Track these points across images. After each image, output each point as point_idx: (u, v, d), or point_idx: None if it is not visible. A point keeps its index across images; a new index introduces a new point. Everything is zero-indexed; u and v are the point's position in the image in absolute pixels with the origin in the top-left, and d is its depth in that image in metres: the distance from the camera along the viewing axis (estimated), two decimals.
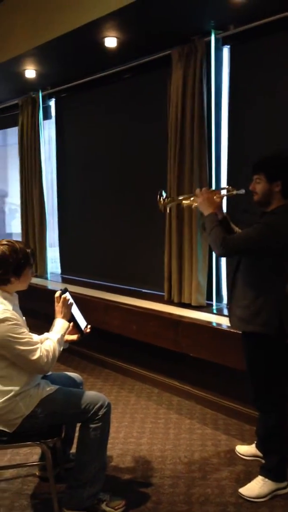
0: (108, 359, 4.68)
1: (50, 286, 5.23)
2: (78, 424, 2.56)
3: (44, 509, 2.57)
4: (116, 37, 3.77)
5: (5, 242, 2.50)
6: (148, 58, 4.18)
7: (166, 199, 2.88)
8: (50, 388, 2.51)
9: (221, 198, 2.76)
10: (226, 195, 2.81)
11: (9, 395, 2.38)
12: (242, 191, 2.69)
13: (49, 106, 5.51)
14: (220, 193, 2.77)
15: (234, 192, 2.75)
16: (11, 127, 6.31)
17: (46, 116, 5.50)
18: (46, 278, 5.61)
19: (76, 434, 2.70)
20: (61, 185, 5.58)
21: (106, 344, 4.57)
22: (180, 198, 2.97)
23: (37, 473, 2.86)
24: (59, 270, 5.76)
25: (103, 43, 3.87)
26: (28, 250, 2.54)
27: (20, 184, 5.77)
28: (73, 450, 2.87)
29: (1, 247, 2.47)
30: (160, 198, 2.86)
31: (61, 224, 5.66)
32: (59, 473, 2.79)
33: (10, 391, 2.38)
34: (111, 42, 3.82)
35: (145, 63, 4.24)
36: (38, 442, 2.43)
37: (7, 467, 2.94)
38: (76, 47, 4.06)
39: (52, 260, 5.86)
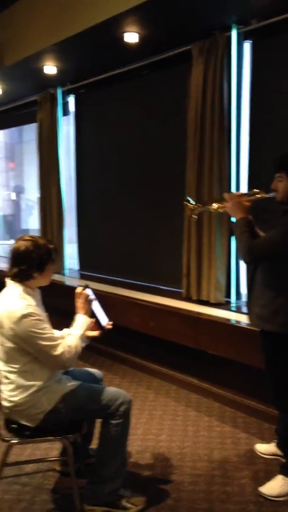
0: (126, 356, 4.68)
1: (68, 282, 5.25)
2: (98, 420, 2.57)
3: (65, 504, 2.58)
4: (137, 32, 3.75)
5: (28, 238, 2.51)
6: (168, 54, 4.15)
7: (194, 206, 2.84)
8: (71, 384, 2.52)
9: (251, 202, 2.69)
10: (256, 199, 2.73)
11: (31, 390, 2.39)
12: (272, 194, 2.61)
13: (68, 102, 5.52)
14: (249, 196, 2.70)
15: (264, 195, 2.67)
16: (29, 124, 6.33)
17: (65, 112, 5.51)
18: (64, 274, 5.63)
19: (97, 430, 2.72)
20: (79, 181, 5.59)
21: (124, 341, 4.56)
22: (209, 204, 2.89)
23: (57, 468, 2.88)
24: (77, 266, 5.78)
25: (122, 38, 3.85)
26: (51, 246, 2.55)
27: (38, 181, 5.79)
28: (93, 445, 2.88)
29: (24, 243, 2.48)
30: (188, 205, 2.82)
31: (79, 220, 5.67)
32: (79, 469, 2.79)
33: (33, 386, 2.39)
34: (131, 37, 3.81)
35: (165, 58, 4.22)
36: (59, 437, 2.44)
37: (28, 462, 2.96)
38: (95, 42, 4.05)
39: (70, 256, 5.88)
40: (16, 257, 2.48)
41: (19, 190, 14.94)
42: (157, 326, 4.04)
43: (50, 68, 4.68)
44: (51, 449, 3.10)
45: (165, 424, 3.47)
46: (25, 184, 15.15)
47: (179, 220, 4.19)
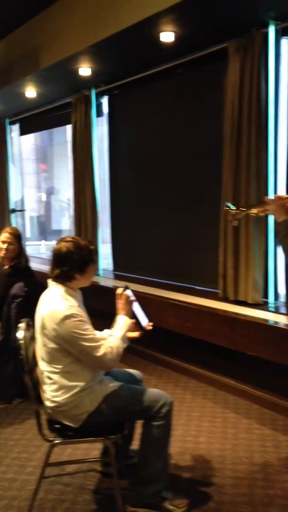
0: (161, 356, 4.67)
1: (103, 282, 5.26)
2: (138, 421, 2.57)
3: (107, 505, 2.58)
4: (173, 31, 3.73)
5: (69, 239, 2.53)
6: (204, 52, 4.12)
7: (236, 211, 2.80)
8: (113, 385, 2.52)
9: None
10: None
11: (74, 391, 2.40)
12: None
13: (101, 104, 5.54)
14: None
15: None
16: (63, 125, 6.38)
17: (98, 113, 5.53)
18: (98, 275, 5.65)
19: (137, 431, 2.72)
20: (113, 181, 5.61)
21: (160, 341, 4.55)
22: (250, 208, 2.85)
23: (98, 469, 2.88)
24: (111, 267, 5.79)
25: (159, 38, 3.84)
26: (92, 247, 2.56)
27: (72, 181, 5.82)
28: (133, 446, 2.88)
29: (66, 244, 2.50)
30: (229, 211, 2.79)
31: (113, 220, 5.68)
32: (120, 469, 2.79)
33: (76, 386, 2.40)
34: (167, 36, 3.79)
35: (200, 57, 4.18)
36: (102, 438, 2.45)
37: (71, 462, 2.97)
38: (131, 43, 4.05)
39: (104, 256, 5.90)
40: (58, 258, 2.50)
41: (50, 192, 15.12)
42: (193, 326, 4.01)
43: (85, 70, 4.70)
44: (91, 449, 3.11)
45: (204, 426, 3.44)
46: (55, 185, 15.34)
47: (215, 220, 4.16)
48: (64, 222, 13.17)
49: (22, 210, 7.98)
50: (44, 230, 12.94)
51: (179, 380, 4.31)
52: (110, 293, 4.30)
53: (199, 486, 2.73)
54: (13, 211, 7.46)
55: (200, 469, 2.91)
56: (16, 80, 5.20)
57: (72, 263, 2.47)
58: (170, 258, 4.93)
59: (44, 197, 14.76)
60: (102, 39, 3.97)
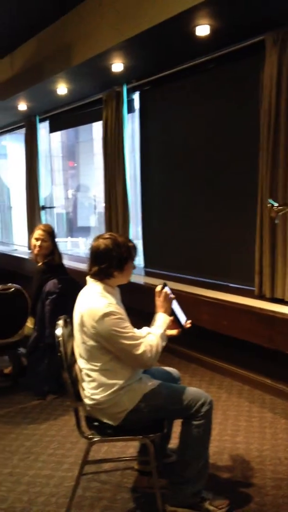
0: (195, 354, 4.63)
1: (133, 279, 5.22)
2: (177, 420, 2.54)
3: (146, 503, 2.56)
4: (209, 25, 3.66)
5: (108, 236, 2.51)
6: (240, 45, 4.04)
7: (278, 208, 2.74)
8: (152, 383, 2.49)
9: None
10: None
11: (113, 389, 2.38)
12: None
13: (133, 100, 5.51)
14: None
15: None
16: (94, 122, 6.37)
17: (130, 109, 5.50)
18: None
19: (175, 429, 2.69)
20: (144, 178, 5.57)
21: (194, 339, 4.51)
22: None
23: (135, 467, 2.86)
24: (142, 264, 5.77)
25: (194, 31, 3.78)
26: (131, 244, 2.53)
27: (103, 178, 5.81)
28: (171, 445, 2.86)
29: (104, 241, 2.48)
30: (272, 208, 2.73)
31: (144, 217, 5.65)
32: (158, 468, 2.77)
33: (115, 384, 2.38)
34: (203, 30, 3.73)
35: (236, 50, 4.10)
36: (141, 437, 2.42)
37: (109, 460, 2.96)
38: (165, 38, 3.99)
39: None
40: (96, 255, 2.48)
41: (77, 188, 15.19)
42: (228, 324, 3.96)
43: (117, 66, 4.67)
44: (127, 446, 3.09)
45: (241, 425, 3.39)
46: (81, 182, 15.40)
47: (250, 216, 4.09)
48: (91, 219, 13.21)
49: (51, 207, 8.02)
50: (70, 227, 13.00)
51: (213, 378, 4.26)
52: (141, 290, 4.30)
53: (239, 487, 2.69)
54: (43, 208, 7.50)
55: (239, 469, 2.86)
56: (48, 77, 5.20)
57: (111, 260, 2.45)
58: (202, 255, 4.88)
59: (70, 194, 14.85)
60: (135, 34, 3.92)
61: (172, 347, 4.76)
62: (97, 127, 10.33)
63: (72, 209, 14.01)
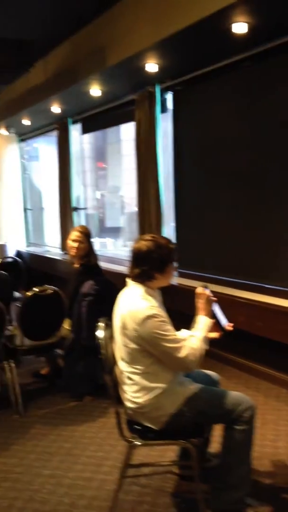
0: (230, 356, 4.57)
1: None
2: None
3: (188, 508, 2.53)
4: (247, 22, 3.60)
5: (149, 238, 2.49)
6: (278, 42, 3.96)
7: None
8: (194, 387, 2.46)
9: None
10: None
11: (155, 392, 2.36)
12: None
13: (166, 100, 5.47)
14: None
15: None
16: (126, 123, 6.37)
17: (163, 109, 5.47)
18: None
19: (215, 433, 2.65)
20: (178, 178, 5.53)
21: (228, 341, 4.44)
22: None
23: (175, 471, 2.83)
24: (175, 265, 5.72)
25: (230, 29, 3.72)
26: (172, 246, 2.51)
27: (136, 179, 5.80)
28: (211, 449, 2.82)
29: (146, 243, 2.46)
30: None
31: (178, 218, 5.61)
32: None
33: (156, 388, 2.36)
34: (240, 28, 3.66)
35: (274, 47, 4.03)
36: (184, 441, 2.39)
37: (151, 465, 2.92)
38: (201, 36, 3.95)
39: None
40: (138, 257, 2.47)
41: (106, 189, 15.27)
42: (265, 326, 3.89)
43: (151, 66, 4.64)
44: (166, 450, 3.06)
45: (281, 430, 3.32)
46: (110, 183, 15.48)
47: (285, 214, 4.01)
48: (119, 219, 13.26)
49: (84, 208, 8.05)
50: (99, 227, 13.07)
51: (249, 381, 4.20)
52: (175, 291, 4.23)
53: (283, 493, 2.63)
54: (75, 209, 7.53)
55: (281, 475, 2.80)
56: (82, 79, 5.22)
57: (152, 262, 2.43)
58: (238, 256, 4.81)
59: (99, 194, 14.94)
60: (171, 34, 3.89)
61: (206, 349, 4.71)
62: (126, 129, 10.34)
63: (101, 210, 14.08)
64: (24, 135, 8.96)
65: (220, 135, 4.87)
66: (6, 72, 5.48)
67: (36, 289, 3.81)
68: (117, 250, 9.22)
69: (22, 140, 9.14)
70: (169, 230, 5.81)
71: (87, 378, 3.94)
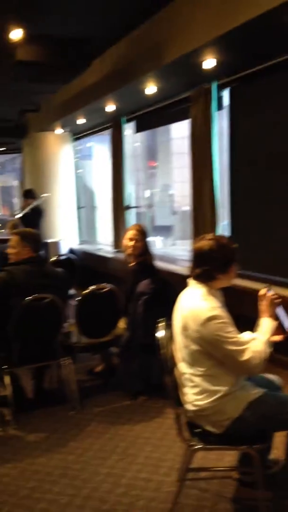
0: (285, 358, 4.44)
1: None
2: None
3: None
4: None
5: (211, 237, 2.44)
6: None
7: None
8: (256, 391, 2.39)
9: None
10: None
11: (217, 395, 2.31)
12: None
13: (222, 97, 5.38)
14: None
15: None
16: (181, 121, 6.31)
17: (219, 107, 5.38)
18: None
19: (277, 439, 2.57)
20: (234, 177, 5.43)
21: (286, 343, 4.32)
22: None
23: (235, 476, 2.77)
24: None
25: None
26: (234, 246, 2.44)
27: (191, 177, 5.73)
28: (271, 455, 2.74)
29: (207, 242, 2.41)
30: None
31: (233, 218, 5.51)
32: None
33: (218, 391, 2.31)
34: None
35: None
36: (247, 447, 2.33)
37: (211, 469, 2.87)
38: (261, 31, 3.85)
39: None
40: (199, 257, 2.42)
41: (156, 188, 15.28)
42: None
43: (209, 63, 4.57)
44: (224, 454, 3.00)
45: None
46: (160, 181, 15.48)
47: None
48: (169, 218, 13.24)
49: (136, 207, 8.06)
50: (150, 226, 13.10)
51: None
52: (229, 292, 4.10)
53: None
54: (127, 208, 7.55)
55: None
56: (137, 77, 5.21)
57: (215, 262, 2.38)
58: None
59: (150, 193, 14.97)
60: (230, 29, 3.81)
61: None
62: (176, 127, 10.28)
63: (151, 208, 14.10)
64: (78, 134, 9.06)
65: (279, 133, 4.74)
66: (63, 71, 5.53)
67: (93, 287, 3.82)
68: (166, 248, 9.19)
69: (76, 139, 9.25)
70: (223, 229, 5.73)
71: (142, 377, 3.92)
